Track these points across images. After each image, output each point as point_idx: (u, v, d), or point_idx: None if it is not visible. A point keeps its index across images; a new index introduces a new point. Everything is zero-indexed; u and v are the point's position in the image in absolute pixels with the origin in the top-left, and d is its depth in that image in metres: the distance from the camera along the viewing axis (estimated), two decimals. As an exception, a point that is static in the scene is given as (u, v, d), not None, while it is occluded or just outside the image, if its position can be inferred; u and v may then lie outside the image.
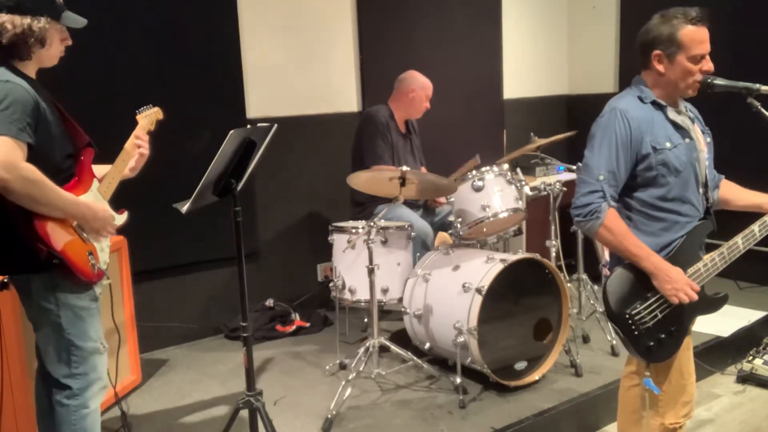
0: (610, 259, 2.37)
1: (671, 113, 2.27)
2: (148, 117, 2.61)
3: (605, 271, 2.34)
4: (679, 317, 2.25)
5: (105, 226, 2.38)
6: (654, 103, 2.27)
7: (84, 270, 2.28)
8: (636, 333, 2.20)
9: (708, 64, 2.21)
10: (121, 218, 2.54)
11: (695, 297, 2.19)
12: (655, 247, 2.23)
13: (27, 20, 2.17)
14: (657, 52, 2.22)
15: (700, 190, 2.31)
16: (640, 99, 2.27)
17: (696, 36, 2.17)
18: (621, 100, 2.29)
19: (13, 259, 2.25)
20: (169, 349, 4.08)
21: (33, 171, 2.10)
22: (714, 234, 2.35)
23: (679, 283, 2.17)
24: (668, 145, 2.23)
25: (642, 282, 2.21)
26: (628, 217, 2.28)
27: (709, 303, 2.32)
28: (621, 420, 2.56)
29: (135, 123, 2.61)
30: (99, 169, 2.45)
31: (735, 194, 2.47)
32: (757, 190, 2.48)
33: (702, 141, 2.34)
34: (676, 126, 2.27)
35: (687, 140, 2.27)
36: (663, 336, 2.22)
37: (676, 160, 2.22)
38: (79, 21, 2.32)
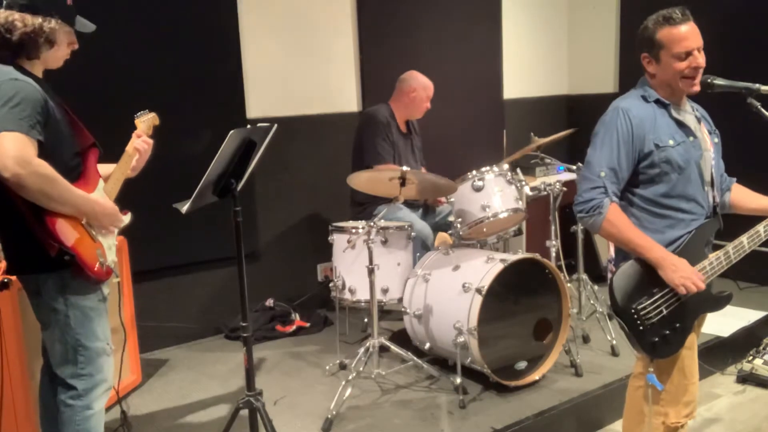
0: (615, 256, 2.38)
1: (675, 111, 2.30)
2: (145, 122, 2.62)
3: (611, 267, 2.35)
4: (683, 314, 2.26)
5: (113, 222, 2.40)
6: (657, 102, 2.30)
7: (93, 267, 2.28)
8: (641, 328, 2.21)
9: (697, 60, 2.23)
10: (125, 219, 2.55)
11: (702, 286, 2.20)
12: (661, 244, 2.24)
13: (38, 20, 2.19)
14: (644, 55, 2.29)
15: (706, 189, 2.33)
16: (644, 98, 2.31)
17: (674, 35, 2.21)
18: (625, 99, 2.33)
19: (25, 259, 2.27)
20: (169, 349, 4.08)
21: (45, 167, 2.11)
22: (719, 234, 2.37)
23: (686, 273, 2.19)
24: (671, 142, 2.25)
25: (648, 277, 2.23)
26: (633, 214, 2.30)
27: (713, 301, 2.34)
28: (627, 420, 2.56)
29: (135, 125, 2.62)
30: (102, 169, 2.46)
31: (745, 198, 2.49)
32: (756, 190, 2.50)
33: (708, 140, 2.36)
34: (680, 124, 2.29)
35: (691, 138, 2.29)
36: (667, 332, 2.23)
37: (679, 157, 2.25)
38: (89, 26, 2.34)
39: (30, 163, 2.07)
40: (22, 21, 2.17)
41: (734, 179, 2.51)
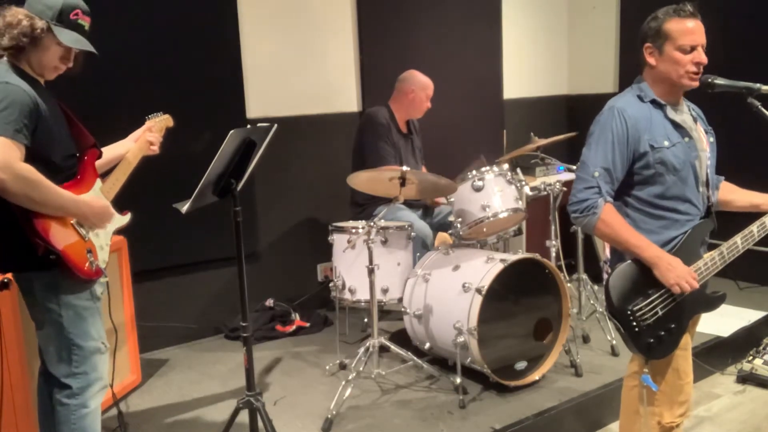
0: (610, 257, 2.38)
1: (670, 112, 2.29)
2: (157, 124, 2.62)
3: (606, 269, 2.35)
4: (678, 315, 2.26)
5: (104, 221, 2.41)
6: (653, 102, 2.29)
7: (81, 267, 2.29)
8: (637, 329, 2.21)
9: (700, 57, 2.23)
10: (123, 219, 2.55)
11: (696, 285, 2.21)
12: (657, 244, 2.24)
13: (22, 16, 2.18)
14: (647, 45, 2.28)
15: (701, 189, 2.32)
16: (640, 98, 2.30)
17: (682, 27, 2.21)
18: (620, 99, 2.32)
19: (13, 256, 2.27)
20: (169, 349, 4.08)
21: (30, 171, 2.11)
22: (714, 234, 2.37)
23: (680, 272, 2.19)
24: (666, 143, 2.24)
25: (644, 278, 2.23)
26: (628, 215, 2.30)
27: (707, 301, 2.35)
28: (623, 419, 2.56)
29: (137, 125, 2.62)
30: (112, 149, 2.52)
31: (734, 195, 2.49)
32: (756, 190, 2.50)
33: (704, 140, 2.35)
34: (676, 125, 2.29)
35: (686, 139, 2.29)
36: (662, 333, 2.24)
37: (674, 158, 2.24)
38: (81, 43, 2.28)
39: (12, 167, 2.07)
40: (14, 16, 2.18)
41: (722, 177, 2.50)
